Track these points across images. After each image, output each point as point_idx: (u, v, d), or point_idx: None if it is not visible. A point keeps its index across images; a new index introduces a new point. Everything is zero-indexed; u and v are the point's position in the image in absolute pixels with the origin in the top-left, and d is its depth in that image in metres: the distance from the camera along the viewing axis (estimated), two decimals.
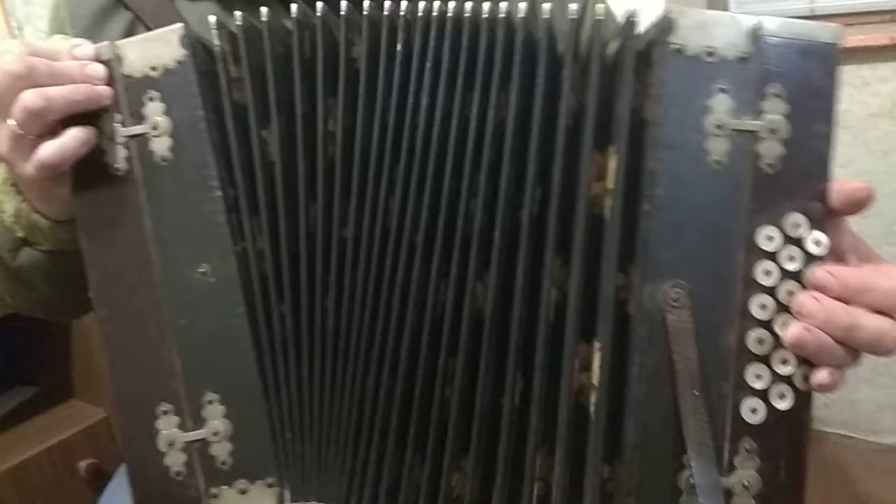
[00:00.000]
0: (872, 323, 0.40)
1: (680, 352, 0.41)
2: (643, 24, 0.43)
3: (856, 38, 1.48)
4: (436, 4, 0.45)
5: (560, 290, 0.45)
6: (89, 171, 0.48)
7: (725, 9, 1.76)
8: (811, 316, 0.41)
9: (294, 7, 0.46)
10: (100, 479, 1.19)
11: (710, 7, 1.76)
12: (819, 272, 0.41)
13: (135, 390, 0.49)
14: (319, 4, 0.46)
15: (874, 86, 1.50)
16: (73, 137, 0.46)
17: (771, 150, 0.41)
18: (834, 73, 0.41)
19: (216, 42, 0.48)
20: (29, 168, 0.47)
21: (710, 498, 0.41)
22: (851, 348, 0.41)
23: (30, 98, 0.44)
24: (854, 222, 0.43)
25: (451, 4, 0.45)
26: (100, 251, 0.49)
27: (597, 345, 0.45)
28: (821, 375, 0.41)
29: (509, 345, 0.45)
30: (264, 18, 0.47)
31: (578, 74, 0.44)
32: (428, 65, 0.46)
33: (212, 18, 0.47)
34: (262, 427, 0.48)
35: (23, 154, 0.47)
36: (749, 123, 0.41)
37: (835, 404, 1.75)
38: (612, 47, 0.45)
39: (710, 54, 0.41)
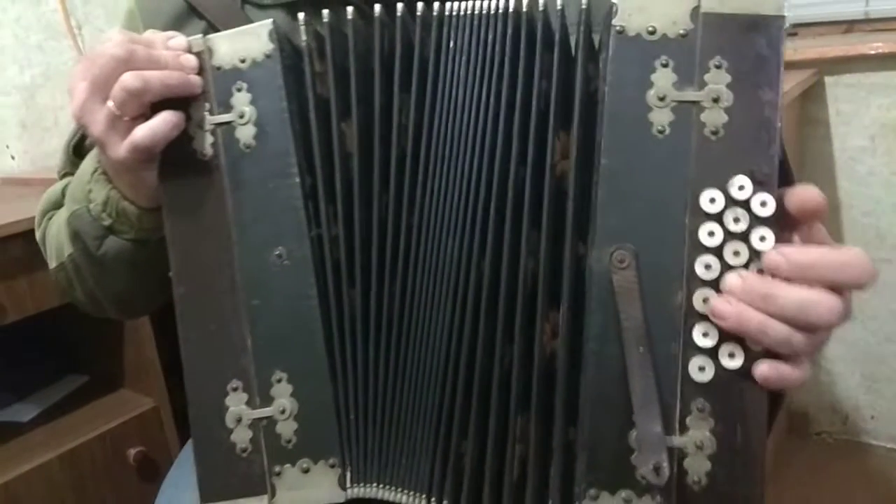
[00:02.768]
0: (793, 292, 0.41)
1: (626, 311, 0.44)
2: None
3: None
4: (474, 4, 0.48)
5: (537, 261, 0.48)
6: (177, 155, 0.50)
7: None
8: (733, 291, 0.42)
9: (377, 7, 0.49)
10: (148, 467, 1.21)
11: None
12: (769, 254, 0.42)
13: (206, 367, 0.50)
14: (400, 5, 0.49)
15: None
16: (165, 121, 0.49)
17: (714, 119, 0.43)
18: (778, 42, 0.43)
19: (303, 38, 0.50)
20: (122, 150, 0.49)
21: (653, 454, 0.42)
22: (792, 325, 0.41)
23: (129, 79, 0.47)
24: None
25: (483, 3, 0.48)
26: (182, 232, 0.51)
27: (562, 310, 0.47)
28: (759, 368, 0.42)
29: (497, 316, 0.48)
30: (350, 17, 0.50)
31: (549, 61, 0.47)
32: (463, 58, 0.49)
33: (301, 15, 0.50)
34: (328, 407, 0.50)
35: (118, 135, 0.49)
36: (691, 94, 0.44)
37: (882, 417, 1.70)
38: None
39: (652, 32, 0.44)
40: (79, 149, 0.68)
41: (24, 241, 1.05)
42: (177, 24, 0.64)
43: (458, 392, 0.48)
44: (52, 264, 0.66)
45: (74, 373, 1.37)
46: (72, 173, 0.68)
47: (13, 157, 1.54)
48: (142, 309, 0.72)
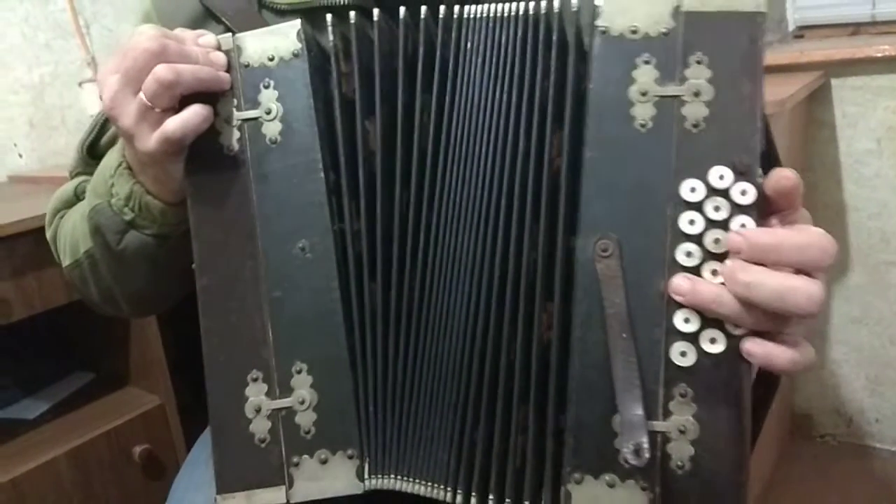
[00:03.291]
0: (773, 280, 0.41)
1: (609, 298, 0.45)
2: None
3: None
4: (490, 7, 0.50)
5: (537, 254, 0.49)
6: (204, 149, 0.52)
7: (783, 8, 1.73)
8: (722, 275, 0.43)
9: (402, 10, 0.51)
10: (153, 465, 1.22)
11: (768, 9, 1.74)
12: (731, 235, 0.43)
13: (227, 357, 0.51)
14: (423, 8, 0.51)
15: None
16: (197, 113, 0.50)
17: (695, 112, 0.45)
18: (759, 37, 0.44)
19: (330, 39, 0.51)
20: (152, 141, 0.50)
21: (634, 435, 0.43)
22: (764, 310, 0.42)
23: (163, 70, 0.48)
24: None
25: (498, 7, 0.50)
26: (207, 224, 0.52)
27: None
28: (745, 345, 0.43)
29: (505, 308, 0.49)
30: (375, 19, 0.51)
31: (548, 62, 0.49)
32: (479, 60, 0.50)
33: (329, 17, 0.51)
34: (347, 399, 0.51)
35: (148, 127, 0.50)
36: (672, 89, 0.45)
37: (886, 420, 1.70)
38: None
39: (634, 32, 0.46)
40: (93, 149, 0.68)
41: (32, 238, 1.05)
42: (194, 27, 0.65)
43: (472, 384, 0.49)
44: (66, 262, 0.66)
45: (81, 370, 1.38)
46: (84, 173, 0.69)
47: (21, 156, 1.55)
48: (156, 307, 0.72)
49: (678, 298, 0.44)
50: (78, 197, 0.67)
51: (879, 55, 1.48)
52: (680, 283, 0.43)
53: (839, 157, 1.63)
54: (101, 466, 1.17)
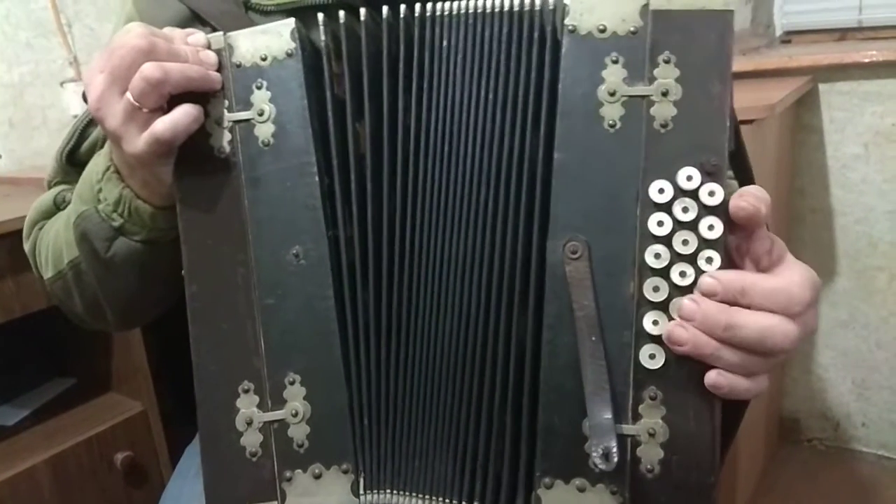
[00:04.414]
0: (753, 320, 0.42)
1: (578, 300, 0.45)
2: None
3: None
4: (469, 3, 0.49)
5: (516, 256, 0.48)
6: (194, 152, 0.50)
7: (770, 13, 1.74)
8: (689, 317, 0.43)
9: (385, 9, 0.49)
10: (135, 472, 1.20)
11: (755, 13, 1.74)
12: (704, 278, 0.43)
13: (217, 368, 0.49)
14: (402, 7, 0.49)
15: None
16: (186, 113, 0.48)
17: (663, 112, 0.45)
18: (727, 36, 0.45)
19: (322, 38, 0.50)
20: (141, 143, 0.48)
21: (602, 439, 0.43)
22: (747, 350, 0.43)
23: (150, 69, 0.46)
24: None
25: (479, 1, 0.49)
26: (196, 229, 0.50)
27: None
28: (709, 376, 0.43)
29: (492, 311, 0.49)
30: (363, 19, 0.49)
31: (528, 60, 0.48)
32: (459, 57, 0.49)
33: (320, 16, 0.50)
34: (341, 411, 0.49)
35: (136, 128, 0.48)
36: (641, 89, 0.45)
37: (873, 424, 1.71)
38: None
39: (602, 31, 0.45)
40: (72, 157, 0.66)
41: (10, 241, 1.03)
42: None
43: (466, 390, 0.49)
44: (48, 274, 0.64)
45: (62, 376, 1.36)
46: (64, 182, 0.66)
47: (0, 156, 1.52)
48: (143, 317, 0.69)
49: (678, 349, 0.44)
50: (58, 207, 0.65)
51: (867, 60, 1.49)
52: (680, 335, 0.43)
53: (826, 161, 1.63)
54: (82, 474, 1.15)
